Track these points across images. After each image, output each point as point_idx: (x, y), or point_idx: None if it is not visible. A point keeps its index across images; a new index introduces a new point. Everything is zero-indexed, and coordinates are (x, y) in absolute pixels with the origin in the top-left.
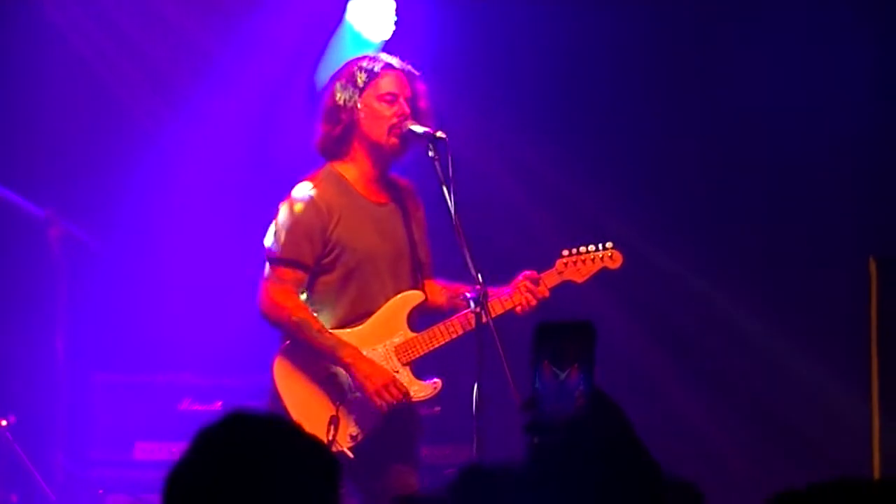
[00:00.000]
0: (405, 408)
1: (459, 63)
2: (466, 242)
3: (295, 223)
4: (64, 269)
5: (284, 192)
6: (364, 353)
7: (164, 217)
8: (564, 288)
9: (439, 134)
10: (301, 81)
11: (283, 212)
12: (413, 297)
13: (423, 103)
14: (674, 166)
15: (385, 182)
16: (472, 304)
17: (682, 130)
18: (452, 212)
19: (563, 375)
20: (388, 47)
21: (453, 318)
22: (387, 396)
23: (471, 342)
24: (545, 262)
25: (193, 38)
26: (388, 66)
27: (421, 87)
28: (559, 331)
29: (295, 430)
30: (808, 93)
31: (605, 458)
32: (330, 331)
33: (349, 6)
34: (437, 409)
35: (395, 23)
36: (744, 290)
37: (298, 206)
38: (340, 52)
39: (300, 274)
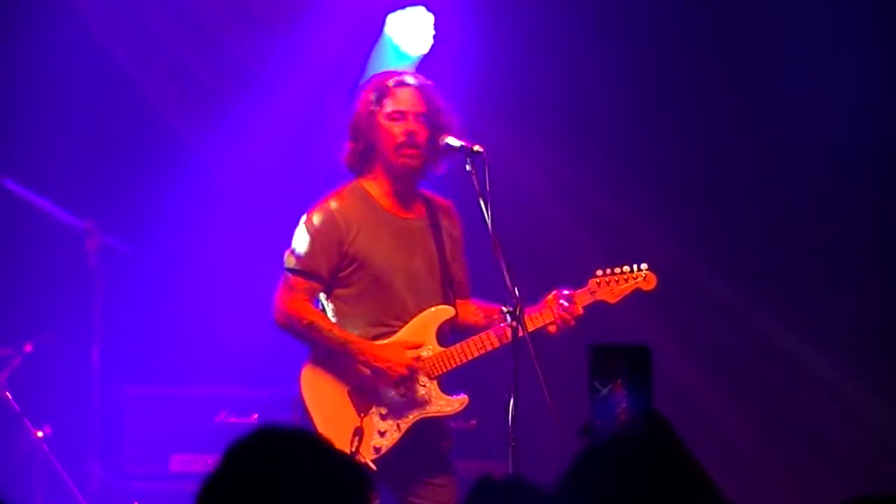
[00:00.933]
0: (434, 422)
1: (498, 75)
2: (503, 256)
3: (311, 235)
4: (101, 281)
5: None
6: None
7: (200, 230)
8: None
9: (476, 147)
10: (340, 96)
11: (302, 224)
12: (443, 311)
13: (444, 118)
14: (715, 181)
15: (411, 197)
16: (508, 318)
17: (724, 146)
18: (489, 225)
19: (604, 391)
20: (426, 60)
21: (488, 331)
22: (398, 369)
23: (508, 356)
24: (585, 276)
25: (234, 53)
26: (400, 82)
27: (440, 101)
28: (608, 349)
29: (324, 446)
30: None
31: (650, 476)
32: (340, 328)
33: (388, 20)
34: (473, 422)
35: (434, 36)
36: (782, 303)
37: (316, 219)
38: (380, 66)
39: (314, 284)
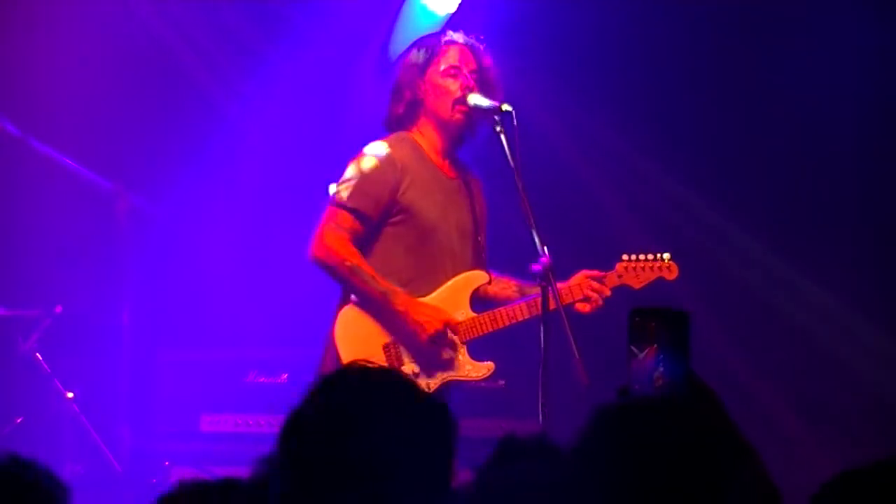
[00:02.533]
0: (460, 388)
1: (526, 35)
2: (532, 215)
3: (367, 173)
4: (130, 243)
5: None
6: None
7: (229, 192)
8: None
9: (505, 107)
10: (368, 55)
11: (356, 163)
12: (478, 276)
13: (491, 76)
14: (757, 146)
15: (454, 159)
16: (537, 278)
17: (758, 116)
18: (519, 185)
19: (640, 355)
20: (454, 19)
21: (521, 303)
22: (440, 341)
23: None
24: (616, 244)
25: (261, 12)
26: (450, 41)
27: (488, 60)
28: (646, 313)
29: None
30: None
31: (678, 440)
32: (383, 278)
33: None
34: (502, 382)
35: None
36: (824, 278)
37: (372, 160)
38: (408, 25)
39: (359, 225)
